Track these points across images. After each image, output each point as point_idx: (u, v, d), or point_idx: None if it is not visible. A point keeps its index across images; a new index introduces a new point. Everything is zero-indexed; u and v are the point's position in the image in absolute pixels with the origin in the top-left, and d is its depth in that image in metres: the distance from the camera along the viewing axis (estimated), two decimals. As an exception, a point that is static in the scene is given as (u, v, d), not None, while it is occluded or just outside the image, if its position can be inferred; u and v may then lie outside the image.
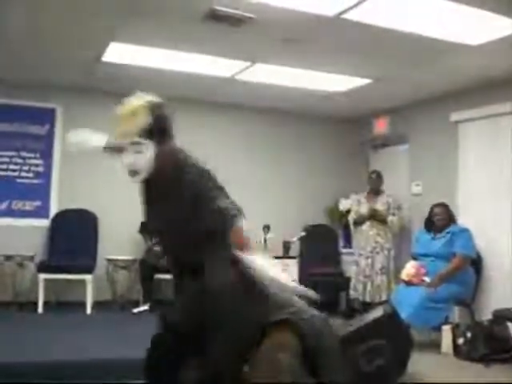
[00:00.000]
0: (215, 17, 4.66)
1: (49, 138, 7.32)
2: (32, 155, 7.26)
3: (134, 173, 2.58)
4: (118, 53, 5.85)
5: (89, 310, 6.63)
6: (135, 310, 6.72)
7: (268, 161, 8.20)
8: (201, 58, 5.94)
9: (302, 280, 6.19)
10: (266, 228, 6.58)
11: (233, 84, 6.87)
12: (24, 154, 7.22)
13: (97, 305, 6.74)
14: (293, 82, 6.77)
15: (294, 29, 4.94)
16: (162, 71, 6.42)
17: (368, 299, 6.77)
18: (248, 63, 6.08)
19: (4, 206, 7.09)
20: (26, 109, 7.21)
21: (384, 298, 6.64)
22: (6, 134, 7.13)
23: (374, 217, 6.90)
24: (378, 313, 4.58)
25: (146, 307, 6.76)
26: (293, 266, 7.19)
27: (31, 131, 7.26)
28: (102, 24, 5.01)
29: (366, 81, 6.59)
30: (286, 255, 7.40)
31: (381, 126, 8.18)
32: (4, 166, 7.14)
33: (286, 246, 7.35)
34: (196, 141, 7.66)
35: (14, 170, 7.18)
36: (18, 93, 7.07)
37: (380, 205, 6.94)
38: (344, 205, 7.78)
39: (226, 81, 6.75)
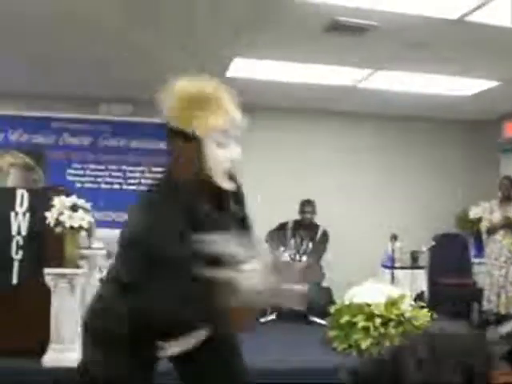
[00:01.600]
0: (338, 27, 4.68)
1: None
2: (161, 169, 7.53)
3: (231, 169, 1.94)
4: (241, 68, 6.00)
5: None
6: (262, 320, 6.80)
7: (395, 168, 8.07)
8: (322, 68, 5.97)
9: (432, 291, 6.03)
10: (394, 238, 6.46)
11: (355, 92, 6.83)
12: (155, 169, 7.54)
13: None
14: (416, 88, 6.64)
15: (416, 34, 4.85)
16: (285, 84, 6.51)
17: (502, 311, 6.47)
18: (370, 71, 6.03)
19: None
20: (156, 126, 7.50)
21: (520, 309, 6.32)
22: (138, 150, 7.50)
23: (508, 225, 6.59)
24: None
25: (273, 317, 6.82)
26: (421, 276, 7.02)
27: (161, 146, 7.56)
28: (224, 40, 5.16)
29: (495, 83, 6.34)
30: (414, 265, 7.24)
31: (512, 130, 7.82)
32: (137, 181, 7.49)
33: (415, 255, 7.18)
34: (320, 150, 7.80)
35: (146, 185, 7.50)
36: (149, 110, 7.36)
37: (514, 212, 6.63)
38: (475, 212, 7.50)
39: (348, 89, 6.73)
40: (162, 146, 7.60)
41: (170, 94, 1.90)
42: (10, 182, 7.21)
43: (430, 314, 5.26)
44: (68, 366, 3.97)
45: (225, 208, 1.99)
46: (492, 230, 6.69)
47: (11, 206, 4.67)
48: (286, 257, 6.98)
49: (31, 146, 7.39)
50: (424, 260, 7.07)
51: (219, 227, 1.86)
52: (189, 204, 1.85)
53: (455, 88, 6.62)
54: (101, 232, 6.43)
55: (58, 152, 7.43)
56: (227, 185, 1.91)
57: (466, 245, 7.82)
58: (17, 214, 4.66)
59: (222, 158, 1.87)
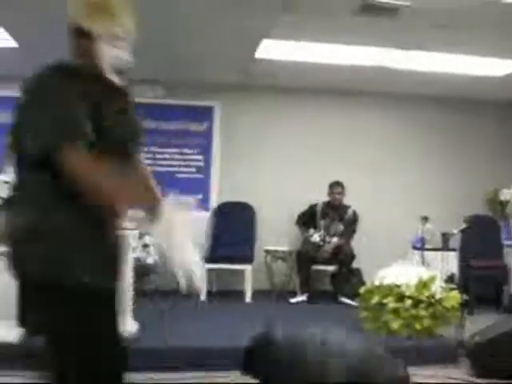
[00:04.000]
0: (370, 8, 4.65)
1: (208, 134, 7.67)
2: (192, 151, 7.65)
3: (119, 72, 2.19)
4: (271, 49, 6.00)
5: (248, 299, 6.86)
6: (293, 300, 6.85)
7: (425, 149, 8.00)
8: (353, 49, 5.94)
9: (462, 273, 6.01)
10: (424, 219, 6.43)
11: (386, 73, 6.78)
12: (185, 150, 7.63)
13: (255, 294, 6.94)
14: (447, 68, 6.57)
15: (450, 14, 4.80)
16: (315, 64, 6.49)
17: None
18: (402, 51, 5.99)
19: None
20: (186, 108, 7.59)
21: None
22: (168, 132, 7.57)
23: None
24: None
25: (303, 298, 6.87)
26: (452, 258, 6.99)
27: (191, 128, 7.65)
28: (254, 22, 5.17)
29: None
30: (445, 247, 7.20)
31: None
32: (166, 163, 7.58)
33: (445, 237, 7.14)
34: (350, 132, 7.77)
35: (175, 166, 7.60)
36: (178, 92, 7.44)
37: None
38: (505, 195, 7.44)
39: (379, 70, 6.67)
40: (192, 127, 7.75)
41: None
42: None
43: (460, 295, 5.25)
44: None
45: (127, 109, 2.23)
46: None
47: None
48: (316, 238, 7.01)
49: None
50: (455, 242, 7.03)
51: (131, 126, 2.20)
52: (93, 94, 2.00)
53: (486, 68, 6.54)
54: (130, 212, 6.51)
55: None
56: (116, 80, 2.13)
57: (498, 227, 7.75)
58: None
59: (115, 56, 2.10)
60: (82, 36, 2.07)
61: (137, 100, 7.05)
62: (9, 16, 5.07)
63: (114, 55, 2.10)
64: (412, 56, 6.11)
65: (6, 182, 4.45)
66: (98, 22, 2.07)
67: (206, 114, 7.67)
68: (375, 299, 5.19)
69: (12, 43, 5.80)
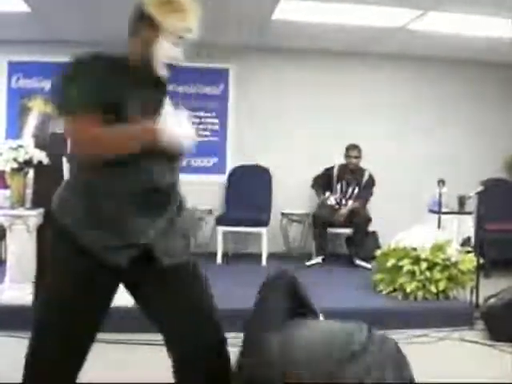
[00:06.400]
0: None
1: (223, 97, 7.64)
2: (208, 114, 7.63)
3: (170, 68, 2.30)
4: (287, 10, 5.91)
5: (264, 262, 6.90)
6: (308, 263, 6.88)
7: (442, 111, 7.91)
8: (372, 9, 5.85)
9: (479, 237, 5.98)
10: (441, 182, 6.38)
11: (404, 34, 6.68)
12: (201, 113, 7.60)
13: (271, 256, 6.98)
14: (469, 30, 6.44)
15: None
16: (332, 25, 6.39)
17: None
18: (420, 11, 5.88)
19: (184, 163, 7.53)
20: (201, 70, 7.52)
21: None
22: (183, 95, 7.52)
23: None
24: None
25: (318, 260, 6.90)
26: (468, 221, 6.97)
27: (207, 91, 7.62)
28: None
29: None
30: (461, 211, 7.17)
31: None
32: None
33: (462, 201, 7.11)
34: (368, 94, 7.69)
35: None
36: (193, 54, 7.32)
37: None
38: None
39: (398, 31, 6.58)
40: (208, 90, 7.68)
41: None
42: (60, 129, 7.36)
43: (475, 258, 5.25)
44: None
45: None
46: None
47: (62, 151, 4.77)
48: (332, 201, 7.01)
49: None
50: (471, 205, 7.00)
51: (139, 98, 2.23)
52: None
53: (505, 29, 6.41)
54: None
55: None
56: (163, 72, 2.27)
57: (515, 190, 7.70)
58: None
59: (170, 52, 2.23)
60: (146, 23, 2.19)
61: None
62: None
63: (172, 52, 2.23)
64: (431, 17, 6.00)
65: (21, 146, 4.52)
66: (170, 18, 2.18)
67: (221, 76, 7.62)
68: (391, 261, 5.21)
69: (25, 7, 5.77)
